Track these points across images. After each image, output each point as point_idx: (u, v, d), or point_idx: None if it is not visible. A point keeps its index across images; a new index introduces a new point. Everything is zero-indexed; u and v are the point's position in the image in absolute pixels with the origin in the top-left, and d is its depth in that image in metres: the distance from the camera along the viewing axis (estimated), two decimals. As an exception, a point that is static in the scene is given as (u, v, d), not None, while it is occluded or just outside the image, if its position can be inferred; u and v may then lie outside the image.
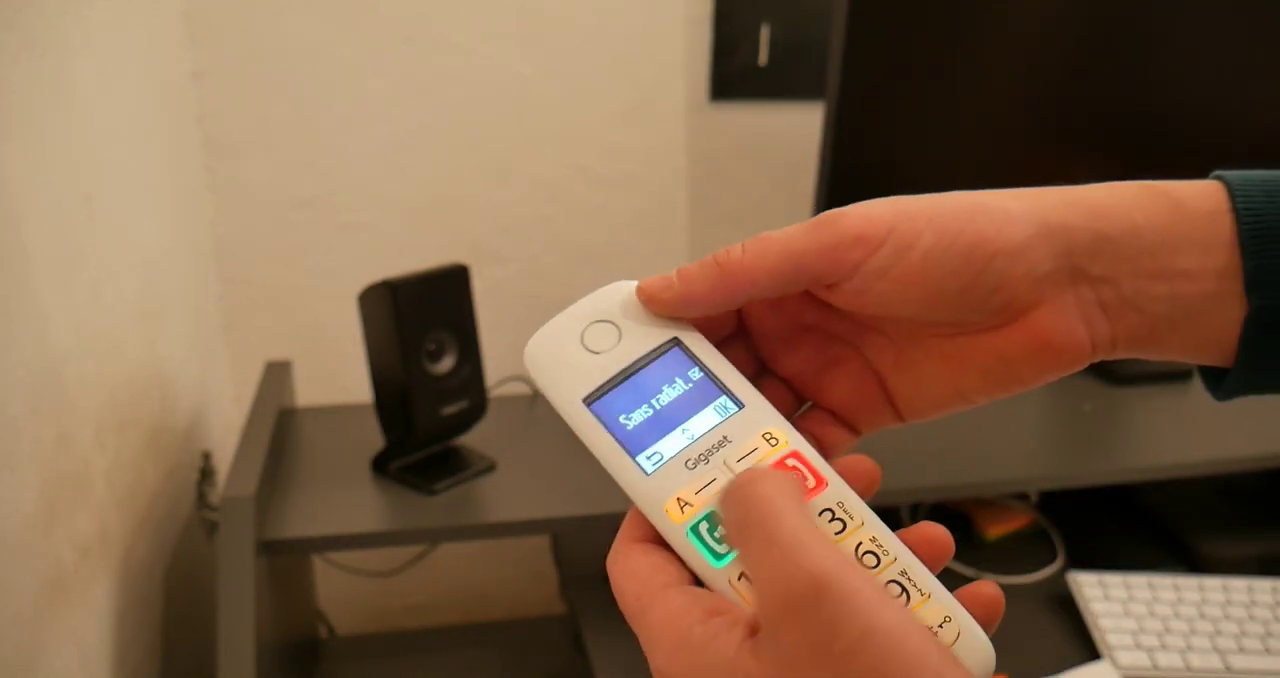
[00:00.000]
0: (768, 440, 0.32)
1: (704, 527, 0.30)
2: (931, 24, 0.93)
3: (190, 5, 1.02)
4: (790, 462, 0.31)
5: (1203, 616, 0.87)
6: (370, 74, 1.08)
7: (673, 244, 1.19)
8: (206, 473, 1.00)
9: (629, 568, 0.31)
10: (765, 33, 1.12)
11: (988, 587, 0.30)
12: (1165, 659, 0.83)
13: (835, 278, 0.31)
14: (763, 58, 1.14)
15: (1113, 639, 0.85)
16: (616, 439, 0.32)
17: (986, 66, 0.95)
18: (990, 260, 0.30)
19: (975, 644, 0.29)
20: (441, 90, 1.10)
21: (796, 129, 1.16)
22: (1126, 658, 0.83)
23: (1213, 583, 0.90)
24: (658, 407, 0.32)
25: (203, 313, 1.08)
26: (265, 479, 0.79)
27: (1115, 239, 0.30)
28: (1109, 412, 1.04)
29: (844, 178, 0.96)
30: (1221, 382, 0.33)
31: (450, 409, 0.87)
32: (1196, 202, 0.30)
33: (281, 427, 0.91)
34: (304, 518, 0.81)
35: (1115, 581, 0.90)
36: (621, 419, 0.32)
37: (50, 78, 0.67)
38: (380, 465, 0.89)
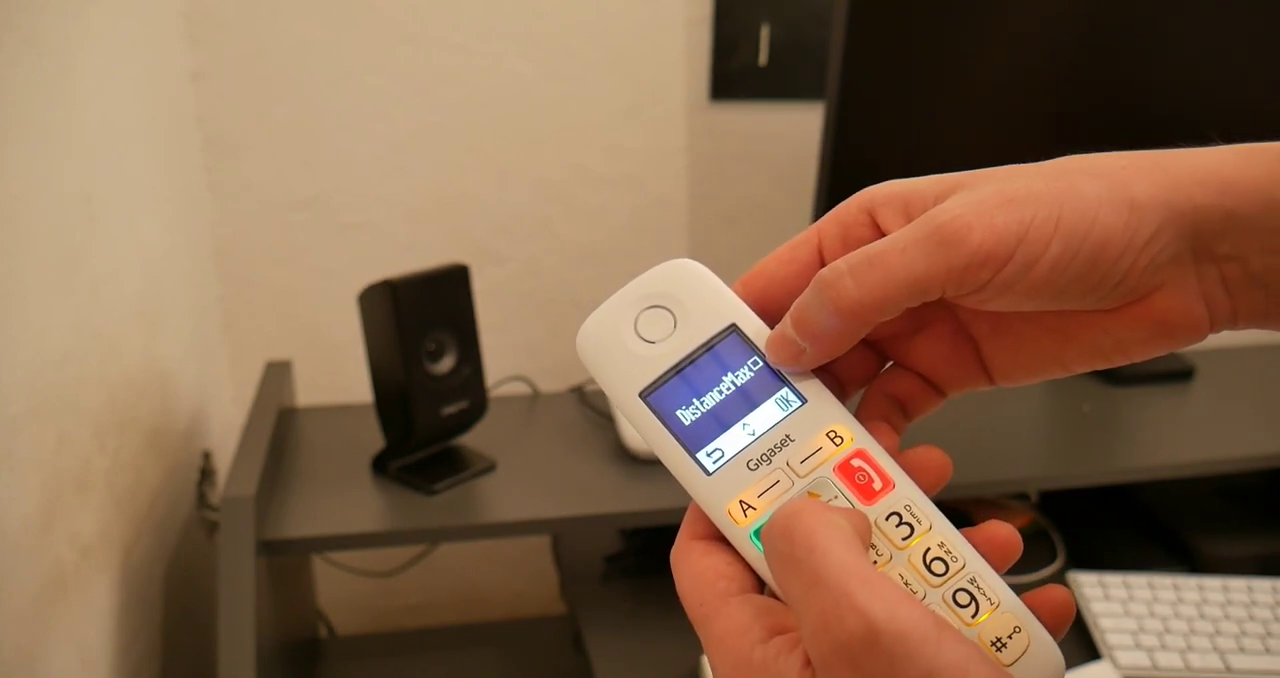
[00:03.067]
0: (832, 439, 0.31)
1: None
2: (931, 24, 0.93)
3: (190, 5, 1.02)
4: (855, 462, 0.30)
5: (1203, 616, 0.87)
6: (370, 74, 1.08)
7: (673, 244, 1.19)
8: (206, 473, 1.00)
9: (692, 571, 0.30)
10: (765, 33, 1.12)
11: (1057, 592, 0.29)
12: (1165, 659, 0.83)
13: (955, 296, 0.29)
14: (763, 58, 1.13)
15: (1113, 639, 0.85)
16: (675, 436, 0.31)
17: (987, 66, 0.95)
18: (1116, 261, 0.28)
19: (1045, 654, 0.28)
20: (441, 90, 1.10)
21: (796, 129, 1.16)
22: (1126, 658, 0.83)
23: (1213, 583, 0.90)
24: (718, 399, 0.31)
25: (203, 313, 1.08)
26: (265, 479, 0.79)
27: (1247, 217, 0.28)
28: (1109, 412, 1.04)
29: (844, 178, 0.96)
30: None
31: (450, 409, 0.87)
32: None
33: (281, 427, 0.91)
34: (304, 518, 0.81)
35: (1115, 581, 0.90)
36: (679, 414, 0.31)
37: (50, 78, 0.67)
38: (380, 465, 0.89)
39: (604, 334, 0.33)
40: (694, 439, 0.31)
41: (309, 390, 1.11)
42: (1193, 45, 0.96)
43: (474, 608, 1.32)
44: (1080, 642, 0.87)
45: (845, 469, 0.30)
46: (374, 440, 0.90)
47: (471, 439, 0.93)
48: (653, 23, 1.12)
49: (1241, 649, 0.83)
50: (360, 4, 1.05)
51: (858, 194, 0.32)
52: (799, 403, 0.31)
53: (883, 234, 0.31)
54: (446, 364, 0.86)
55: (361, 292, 0.84)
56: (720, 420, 0.31)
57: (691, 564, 0.30)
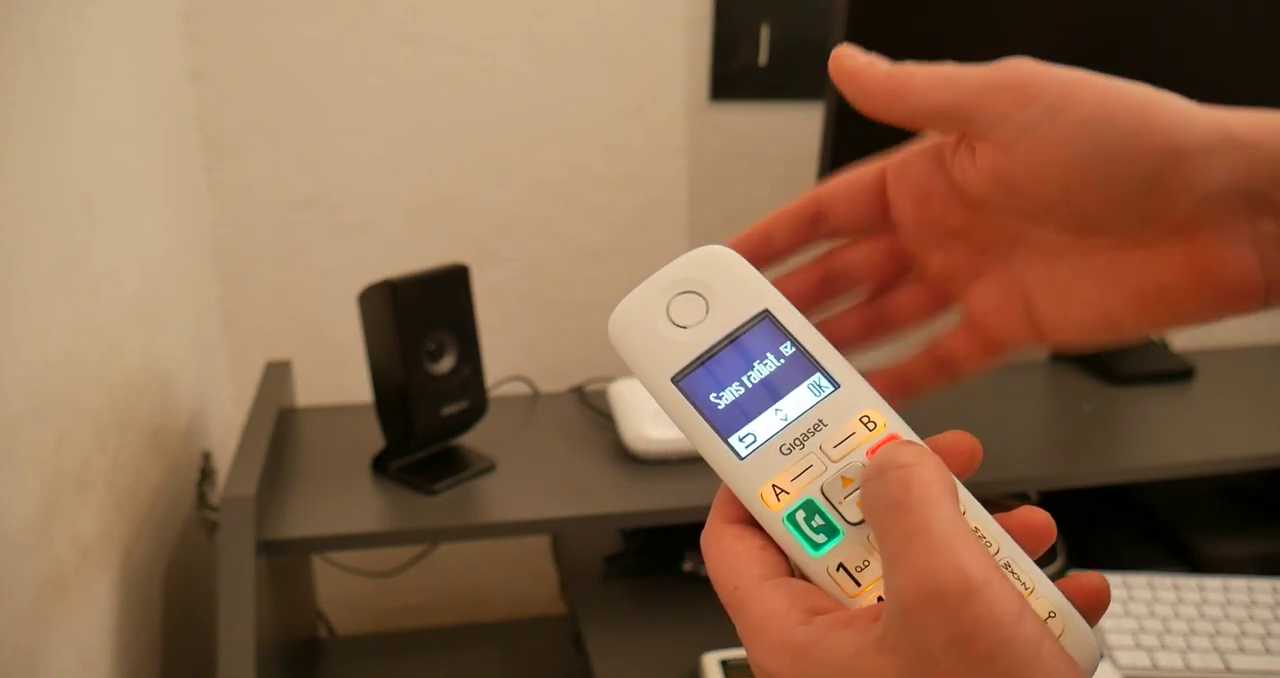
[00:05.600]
0: (865, 424, 0.31)
1: (800, 515, 0.30)
2: (931, 24, 0.93)
3: (190, 5, 1.02)
4: None
5: (1203, 616, 0.87)
6: (370, 74, 1.08)
7: (673, 244, 1.19)
8: (206, 473, 1.00)
9: (725, 555, 0.30)
10: (765, 33, 1.12)
11: (1093, 578, 0.29)
12: (1165, 659, 0.83)
13: (981, 124, 0.29)
14: (763, 58, 1.13)
15: (1113, 639, 0.85)
16: (707, 420, 0.31)
17: (986, 66, 0.95)
18: (1150, 152, 0.27)
19: (1081, 640, 0.28)
20: (441, 90, 1.10)
21: (796, 129, 1.16)
22: (1126, 658, 0.83)
23: (1213, 583, 0.90)
24: (750, 385, 0.31)
25: (203, 313, 1.08)
26: (265, 479, 0.79)
27: None
28: (1109, 412, 1.04)
29: (844, 178, 0.95)
30: None
31: (450, 409, 0.87)
32: None
33: (281, 427, 0.91)
34: (304, 518, 0.81)
35: (1115, 580, 0.90)
36: (712, 399, 0.31)
37: (50, 78, 0.67)
38: (380, 465, 0.89)
39: (636, 319, 0.33)
40: (726, 424, 0.31)
41: (309, 390, 1.11)
42: (1196, 46, 0.96)
43: (474, 608, 1.32)
44: (1080, 642, 0.87)
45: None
46: (374, 440, 0.90)
47: (471, 439, 0.93)
48: (653, 23, 1.12)
49: (1241, 649, 0.83)
50: (360, 4, 1.05)
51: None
52: (832, 388, 0.31)
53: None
54: (446, 364, 0.86)
55: (361, 292, 0.84)
56: (752, 405, 0.31)
57: (724, 548, 0.30)
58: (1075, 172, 0.28)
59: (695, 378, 0.32)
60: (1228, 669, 0.82)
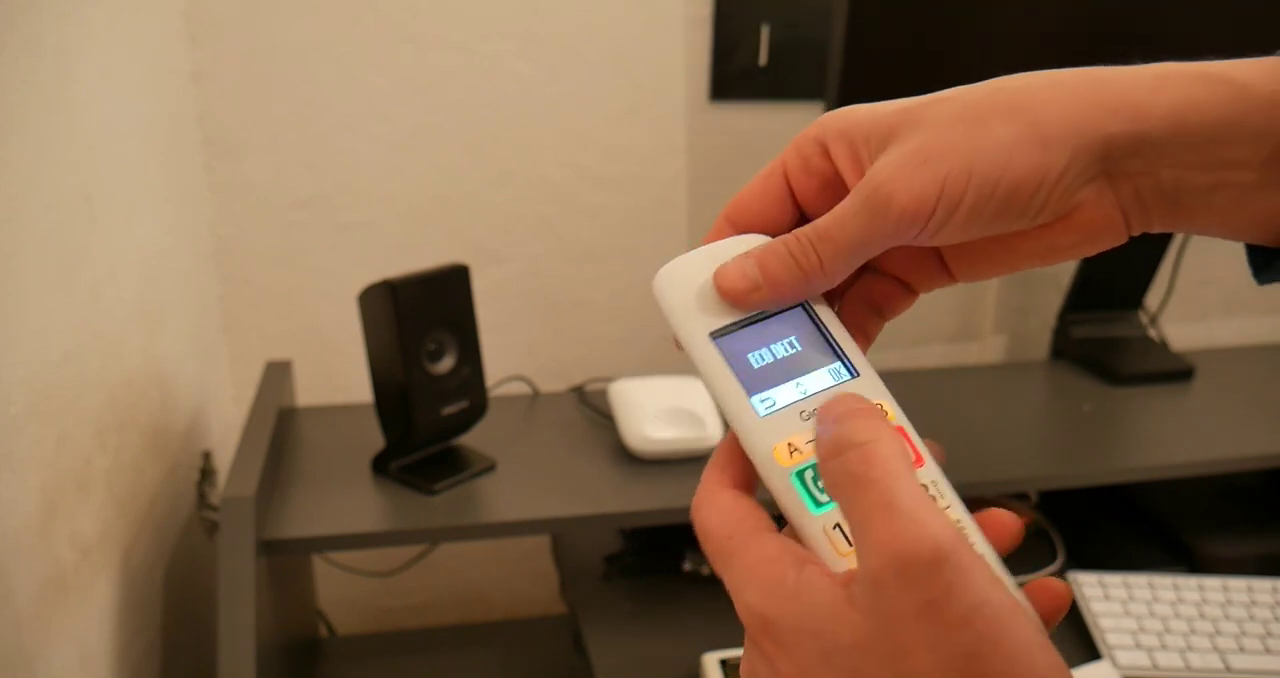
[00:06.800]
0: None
1: (809, 475, 0.31)
2: (931, 24, 0.93)
3: (190, 5, 1.02)
4: None
5: (1202, 615, 0.87)
6: (370, 74, 1.08)
7: (673, 244, 1.19)
8: (206, 473, 1.00)
9: (719, 509, 0.32)
10: (765, 33, 1.12)
11: (1056, 584, 0.30)
12: (1165, 659, 0.83)
13: (897, 244, 0.33)
14: (763, 58, 1.13)
15: (1113, 639, 0.85)
16: (737, 377, 0.33)
17: (986, 65, 0.95)
18: (1031, 197, 0.31)
19: None
20: (441, 90, 1.10)
21: (796, 129, 1.15)
22: (1126, 658, 0.83)
23: (1213, 583, 0.90)
24: (777, 356, 0.33)
25: (203, 313, 1.08)
26: (265, 479, 0.79)
27: (1157, 140, 0.30)
28: (1109, 412, 1.04)
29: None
30: (1267, 262, 0.32)
31: (450, 409, 0.87)
32: (1262, 84, 0.29)
33: (281, 427, 0.91)
34: (304, 518, 0.81)
35: (1115, 580, 0.90)
36: (743, 359, 0.33)
37: (50, 78, 0.68)
38: (380, 465, 0.89)
39: (685, 275, 0.35)
40: (752, 384, 0.33)
41: (309, 390, 1.11)
42: (1194, 44, 0.96)
43: (474, 608, 1.32)
44: (1080, 642, 0.87)
45: None
46: (374, 440, 0.90)
47: (471, 439, 0.93)
48: (653, 23, 1.12)
49: (1241, 649, 0.84)
50: (360, 4, 1.05)
51: (814, 124, 0.37)
52: (850, 376, 0.34)
53: (834, 164, 0.36)
54: (446, 364, 0.86)
55: (361, 292, 0.84)
56: (777, 375, 0.33)
57: (720, 503, 0.32)
58: (981, 228, 0.32)
59: (731, 339, 0.34)
60: (1228, 669, 0.82)
